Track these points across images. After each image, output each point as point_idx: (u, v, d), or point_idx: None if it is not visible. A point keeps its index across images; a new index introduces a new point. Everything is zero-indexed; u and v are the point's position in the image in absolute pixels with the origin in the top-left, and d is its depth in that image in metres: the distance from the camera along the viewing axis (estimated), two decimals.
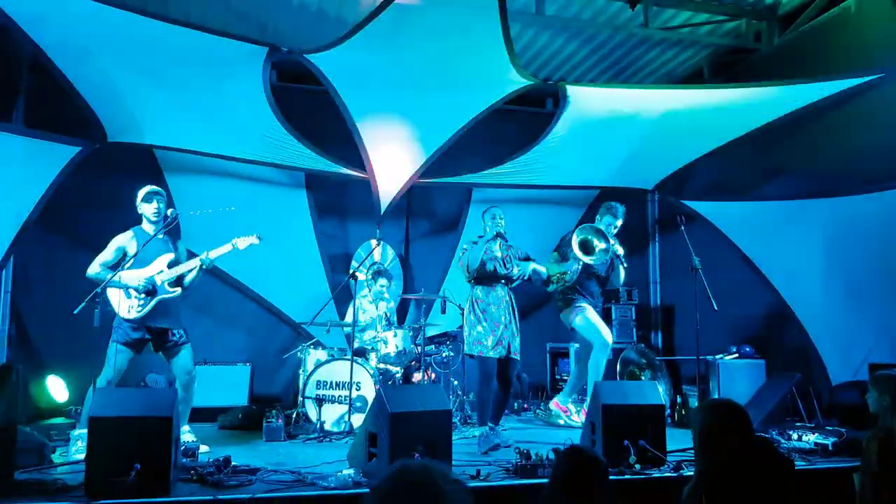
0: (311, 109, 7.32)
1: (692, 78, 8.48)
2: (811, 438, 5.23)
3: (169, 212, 5.33)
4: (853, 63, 6.39)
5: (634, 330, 8.49)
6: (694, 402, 6.97)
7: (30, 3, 5.32)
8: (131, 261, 5.14)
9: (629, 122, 7.00)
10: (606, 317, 7.96)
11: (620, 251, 6.36)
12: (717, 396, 6.80)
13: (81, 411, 5.18)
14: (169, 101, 6.45)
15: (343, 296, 7.54)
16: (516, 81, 6.55)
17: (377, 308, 7.22)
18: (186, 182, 7.48)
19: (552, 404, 6.82)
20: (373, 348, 6.78)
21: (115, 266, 5.16)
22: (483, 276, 5.71)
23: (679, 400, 7.06)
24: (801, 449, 5.06)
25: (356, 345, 6.70)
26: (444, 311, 7.07)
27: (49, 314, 6.73)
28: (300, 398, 6.37)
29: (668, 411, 6.20)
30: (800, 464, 4.58)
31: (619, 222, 6.52)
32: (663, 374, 7.82)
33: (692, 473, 4.23)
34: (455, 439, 4.70)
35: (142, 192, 5.34)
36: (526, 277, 5.87)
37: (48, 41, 5.66)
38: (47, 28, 5.53)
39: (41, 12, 5.38)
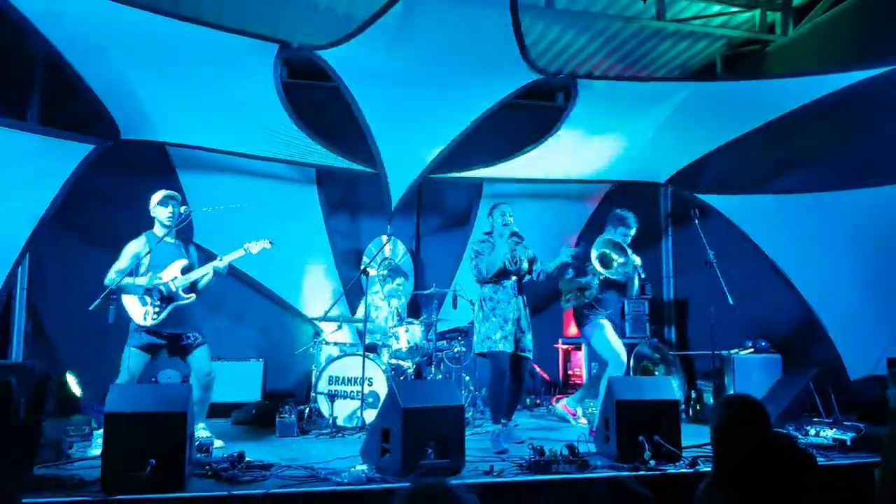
0: (322, 105, 7.32)
1: (705, 70, 8.42)
2: (829, 434, 5.18)
3: (182, 209, 5.34)
4: (871, 53, 6.31)
5: (648, 325, 8.45)
6: (709, 398, 6.93)
7: (44, 2, 5.34)
8: (144, 267, 5.15)
9: (641, 115, 6.96)
10: (619, 312, 7.88)
11: (638, 261, 6.25)
12: (732, 392, 6.75)
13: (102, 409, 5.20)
14: (181, 98, 6.46)
15: (355, 291, 7.54)
16: (527, 75, 6.51)
17: (389, 305, 7.23)
18: (199, 179, 7.50)
19: (560, 406, 6.76)
20: (385, 344, 6.79)
21: (131, 274, 5.16)
22: (495, 276, 5.67)
23: (694, 395, 7.03)
24: (818, 445, 5.02)
25: (367, 340, 6.71)
26: (455, 307, 7.07)
27: (64, 311, 6.77)
28: (313, 394, 6.39)
29: (682, 407, 6.16)
30: (818, 459, 4.54)
31: (633, 231, 6.39)
32: (677, 370, 7.78)
33: (708, 469, 4.22)
34: (467, 435, 4.69)
35: (157, 196, 5.33)
36: (545, 275, 5.79)
37: (62, 39, 5.67)
38: (61, 26, 5.55)
39: (55, 10, 5.39)
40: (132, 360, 5.01)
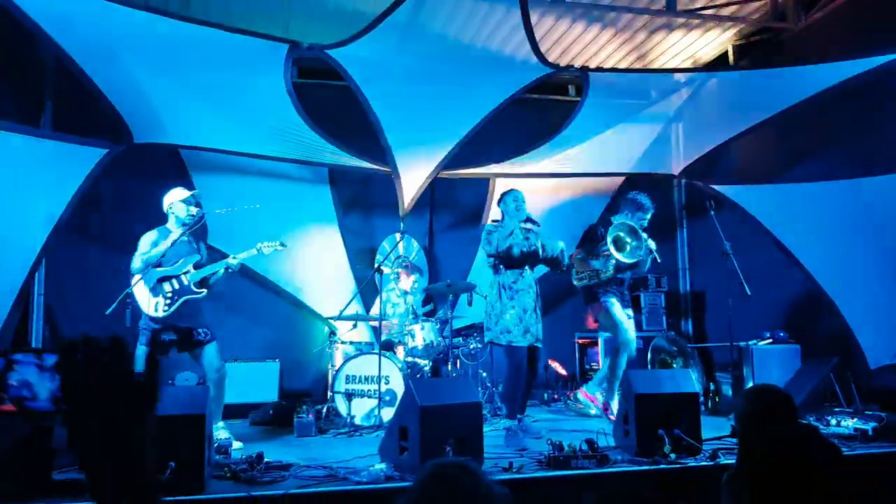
0: (333, 105, 7.32)
1: (717, 61, 8.34)
2: (850, 424, 5.14)
3: (194, 210, 5.37)
4: (884, 39, 6.23)
5: (664, 317, 8.39)
6: (727, 390, 6.88)
7: (55, 8, 5.37)
8: (160, 259, 5.19)
9: (653, 107, 6.91)
10: (635, 304, 7.86)
11: (653, 245, 6.23)
12: (751, 383, 6.70)
13: None
14: (192, 100, 6.49)
15: (369, 290, 7.55)
16: (538, 69, 6.49)
17: (405, 301, 7.24)
18: (212, 180, 7.52)
19: (580, 394, 6.74)
20: (400, 342, 6.78)
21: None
22: (512, 262, 5.65)
23: (712, 387, 6.98)
24: (840, 435, 4.97)
25: (383, 338, 6.71)
26: (470, 303, 7.05)
27: (81, 315, 6.80)
28: (330, 393, 6.40)
29: (701, 399, 6.12)
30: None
31: (649, 215, 6.37)
32: (695, 362, 7.72)
33: (728, 462, 4.19)
34: (486, 431, 4.68)
35: (180, 194, 5.37)
36: (554, 254, 5.77)
37: (73, 45, 5.71)
38: (72, 32, 5.58)
39: (66, 16, 5.43)
40: (143, 360, 5.04)
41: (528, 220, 5.69)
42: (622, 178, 8.61)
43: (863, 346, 6.67)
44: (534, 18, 6.01)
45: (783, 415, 2.41)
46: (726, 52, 8.19)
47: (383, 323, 6.89)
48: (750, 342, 6.99)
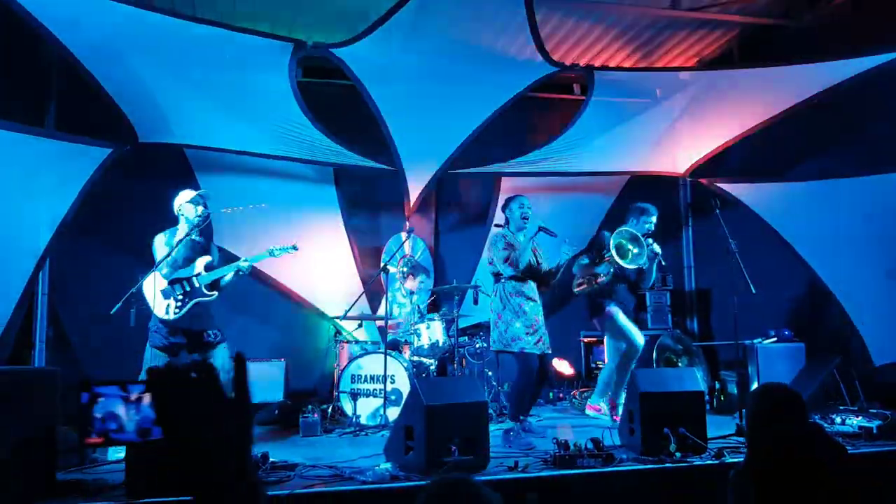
0: (338, 104, 7.32)
1: (722, 59, 8.31)
2: (855, 422, 5.13)
3: (201, 210, 5.38)
4: (887, 37, 6.21)
5: (669, 316, 8.38)
6: (733, 388, 6.87)
7: (60, 8, 5.38)
8: (164, 261, 5.20)
9: (658, 105, 6.90)
10: (640, 303, 7.86)
11: (658, 249, 6.21)
12: (756, 381, 6.69)
13: None
14: (198, 100, 6.50)
15: (375, 289, 7.55)
16: (543, 68, 6.48)
17: (411, 301, 7.24)
18: (217, 180, 7.51)
19: (587, 409, 6.65)
20: (406, 341, 6.78)
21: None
22: (523, 277, 5.61)
23: (717, 386, 6.96)
24: (844, 433, 4.96)
25: (389, 337, 6.71)
26: (476, 302, 7.05)
27: (86, 315, 6.80)
28: (335, 392, 6.40)
29: (706, 397, 6.11)
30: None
31: (654, 219, 6.33)
32: (700, 360, 7.71)
33: (734, 460, 4.19)
34: (491, 430, 4.67)
35: (187, 195, 5.39)
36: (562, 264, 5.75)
37: (78, 45, 5.73)
38: (78, 32, 5.60)
39: (71, 17, 5.44)
40: (154, 361, 5.06)
41: (542, 229, 5.58)
42: (627, 177, 8.61)
43: (867, 343, 6.67)
44: (539, 17, 5.99)
45: (791, 413, 2.40)
46: (731, 51, 8.17)
47: (389, 322, 6.90)
48: (755, 340, 6.98)
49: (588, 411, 6.63)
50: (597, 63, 7.96)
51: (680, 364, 7.60)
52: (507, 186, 8.44)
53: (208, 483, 0.96)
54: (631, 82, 6.76)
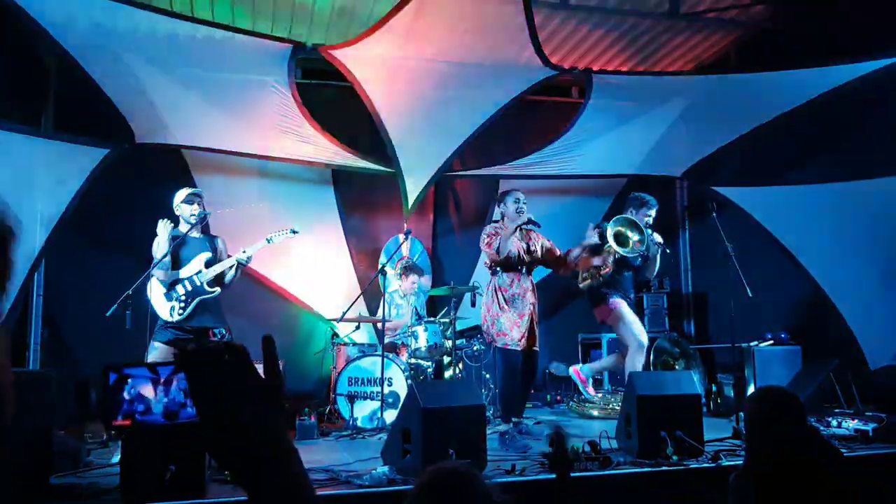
0: (337, 105, 7.32)
1: (719, 63, 8.32)
2: (851, 425, 5.13)
3: (196, 209, 5.38)
4: (883, 42, 6.23)
5: (667, 319, 8.39)
6: (729, 391, 6.87)
7: (57, 8, 5.37)
8: (162, 261, 5.19)
9: (656, 109, 6.91)
10: (638, 306, 7.86)
11: (660, 239, 6.19)
12: (753, 384, 6.69)
13: None
14: (196, 100, 6.49)
15: (373, 291, 7.54)
16: (541, 71, 6.49)
17: (408, 303, 7.24)
18: (215, 181, 7.50)
19: (571, 369, 6.65)
20: (403, 343, 6.77)
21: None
22: (511, 265, 5.64)
23: (714, 388, 6.96)
24: (841, 436, 4.96)
25: (386, 340, 6.69)
26: (473, 305, 7.03)
27: (81, 317, 6.78)
28: (332, 395, 6.38)
29: (703, 400, 6.10)
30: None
31: (653, 211, 6.33)
32: (697, 363, 7.71)
33: (731, 463, 4.18)
34: (489, 433, 4.66)
35: (182, 194, 5.40)
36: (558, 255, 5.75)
37: (75, 45, 5.72)
38: (74, 32, 5.59)
39: (68, 17, 5.43)
40: (156, 355, 5.04)
41: (529, 220, 5.63)
42: (625, 180, 8.61)
43: (863, 347, 6.68)
44: (538, 20, 6.00)
45: (789, 415, 2.41)
46: (728, 55, 8.18)
47: (386, 324, 6.88)
48: (752, 343, 6.99)
49: (571, 372, 6.67)
50: (595, 66, 7.98)
51: (677, 367, 7.59)
52: (505, 189, 8.43)
53: (247, 462, 0.95)
54: (628, 86, 6.77)
